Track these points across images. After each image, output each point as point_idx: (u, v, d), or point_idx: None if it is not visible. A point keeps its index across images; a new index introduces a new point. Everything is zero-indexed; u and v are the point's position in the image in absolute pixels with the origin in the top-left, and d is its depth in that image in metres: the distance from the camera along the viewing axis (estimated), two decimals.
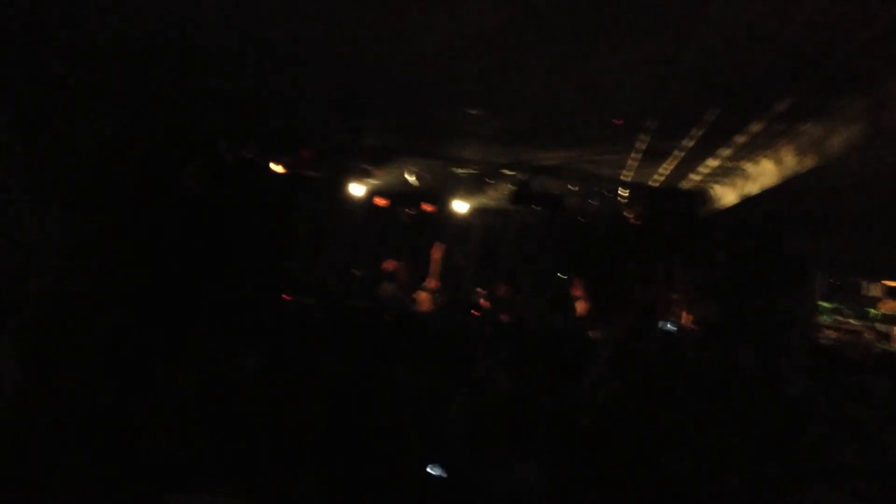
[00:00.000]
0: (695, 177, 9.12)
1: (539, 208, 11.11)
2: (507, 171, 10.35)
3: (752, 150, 7.23)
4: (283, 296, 10.60)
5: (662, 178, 9.49)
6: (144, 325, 6.15)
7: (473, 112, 6.91)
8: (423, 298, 10.29)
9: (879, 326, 11.10)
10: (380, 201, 11.99)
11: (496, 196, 10.96)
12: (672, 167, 8.55)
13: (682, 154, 7.72)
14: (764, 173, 7.54)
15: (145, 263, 9.16)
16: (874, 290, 11.46)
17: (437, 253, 10.83)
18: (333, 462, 4.08)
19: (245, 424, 3.80)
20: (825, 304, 11.35)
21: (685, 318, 10.36)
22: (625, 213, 10.73)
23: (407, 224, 12.56)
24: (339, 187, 11.30)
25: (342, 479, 3.95)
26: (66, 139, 8.78)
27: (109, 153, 9.29)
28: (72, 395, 4.68)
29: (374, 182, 10.97)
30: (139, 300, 7.17)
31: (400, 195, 11.61)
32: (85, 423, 4.16)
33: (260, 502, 3.33)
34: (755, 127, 6.38)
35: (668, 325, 8.83)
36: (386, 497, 3.82)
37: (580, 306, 10.37)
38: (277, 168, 10.40)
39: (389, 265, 10.59)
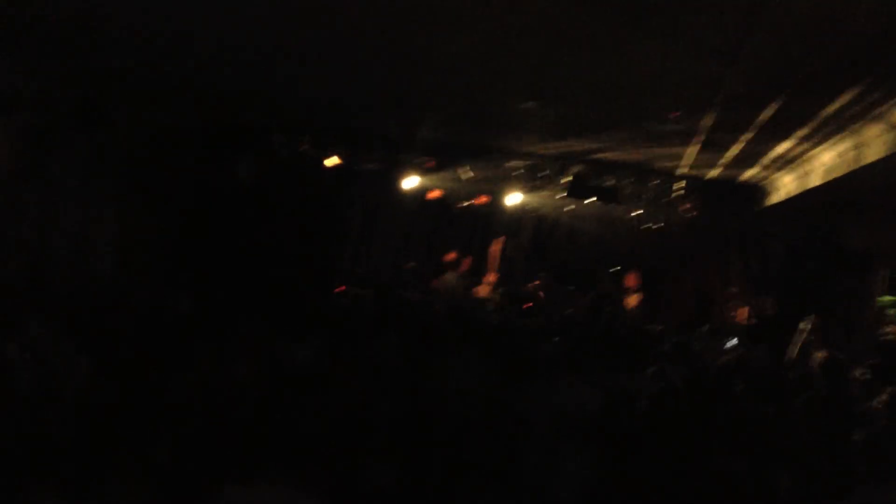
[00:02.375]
0: (753, 169, 8.95)
1: (594, 201, 11.03)
2: (561, 164, 10.31)
3: (813, 141, 7.08)
4: (339, 287, 10.72)
5: (720, 171, 9.35)
6: (200, 317, 6.27)
7: (528, 105, 6.88)
8: (479, 291, 10.32)
9: None
10: (433, 194, 12.01)
11: (550, 188, 10.91)
12: (730, 159, 8.41)
13: (741, 146, 7.59)
14: (824, 165, 7.37)
15: (200, 255, 9.34)
16: None
17: (496, 246, 10.86)
18: (390, 449, 4.12)
19: (301, 413, 3.86)
20: (887, 298, 11.05)
21: (741, 312, 10.19)
22: (681, 206, 10.60)
23: (459, 216, 12.57)
24: (393, 180, 11.36)
25: (399, 465, 4.00)
26: (123, 132, 8.99)
27: (166, 145, 9.48)
28: (129, 385, 4.81)
29: (427, 174, 11.01)
30: (195, 291, 7.31)
31: (453, 188, 11.62)
32: (142, 412, 4.26)
33: (319, 491, 3.38)
34: (816, 119, 6.24)
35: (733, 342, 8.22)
36: (441, 483, 3.86)
37: (633, 300, 10.27)
38: (332, 161, 10.50)
39: (448, 257, 10.67)
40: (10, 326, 5.24)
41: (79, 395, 4.64)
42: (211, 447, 4.06)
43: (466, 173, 10.68)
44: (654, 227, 11.39)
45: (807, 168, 7.96)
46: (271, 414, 4.11)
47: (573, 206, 12.08)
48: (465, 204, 12.39)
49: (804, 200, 8.45)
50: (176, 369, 4.86)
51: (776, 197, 9.26)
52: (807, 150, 7.51)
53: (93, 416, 3.60)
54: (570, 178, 10.27)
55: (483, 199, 12.14)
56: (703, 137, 7.38)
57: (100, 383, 4.92)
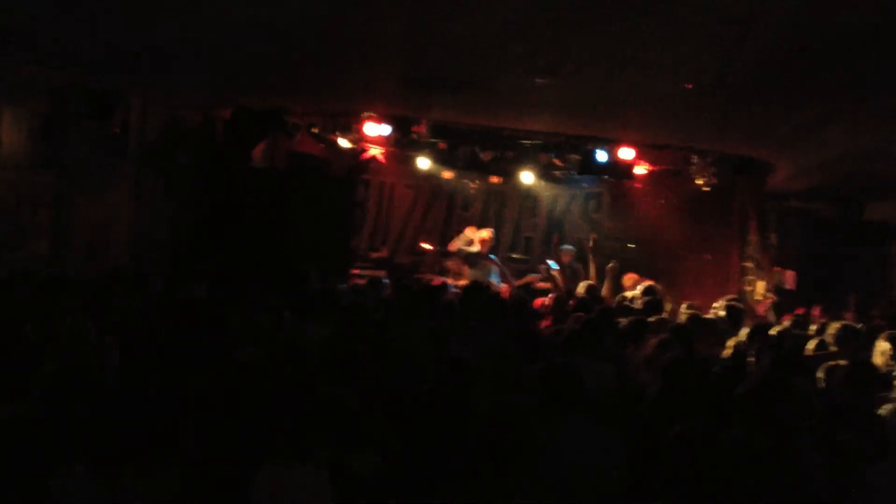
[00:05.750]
0: (768, 142, 8.87)
1: (607, 177, 11.00)
2: (573, 141, 10.28)
3: (829, 113, 6.99)
4: (353, 269, 10.76)
5: (735, 145, 9.28)
6: (218, 300, 6.30)
7: (541, 81, 6.84)
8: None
9: None
10: (447, 174, 12.00)
11: (564, 166, 10.89)
12: (744, 133, 8.33)
13: (755, 120, 7.51)
14: (841, 137, 7.29)
15: (217, 240, 9.38)
16: None
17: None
18: (404, 429, 4.13)
19: (317, 394, 3.86)
20: None
21: (759, 286, 10.15)
22: (697, 181, 10.54)
23: (474, 196, 12.56)
24: (407, 160, 11.35)
25: (414, 445, 4.01)
26: (139, 117, 9.01)
27: (180, 131, 9.50)
28: (148, 369, 4.84)
29: (440, 154, 10.99)
30: (212, 275, 7.35)
31: (467, 167, 11.60)
32: (162, 396, 4.28)
33: (341, 471, 3.40)
34: (831, 91, 6.15)
35: None
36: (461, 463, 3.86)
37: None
38: (345, 143, 10.49)
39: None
40: (29, 310, 5.30)
41: (101, 378, 4.67)
42: (234, 430, 4.08)
43: (481, 153, 10.66)
44: (672, 202, 11.35)
45: (821, 141, 7.87)
46: (288, 394, 4.12)
47: (585, 184, 12.07)
48: (481, 183, 12.38)
49: (821, 173, 8.39)
50: (193, 354, 4.88)
51: (793, 170, 9.19)
52: (821, 123, 7.41)
53: (115, 400, 3.62)
54: (582, 156, 10.24)
55: (498, 179, 12.13)
56: (716, 112, 7.31)
57: (121, 366, 4.97)
